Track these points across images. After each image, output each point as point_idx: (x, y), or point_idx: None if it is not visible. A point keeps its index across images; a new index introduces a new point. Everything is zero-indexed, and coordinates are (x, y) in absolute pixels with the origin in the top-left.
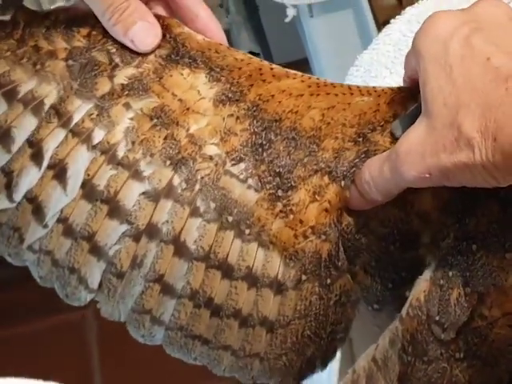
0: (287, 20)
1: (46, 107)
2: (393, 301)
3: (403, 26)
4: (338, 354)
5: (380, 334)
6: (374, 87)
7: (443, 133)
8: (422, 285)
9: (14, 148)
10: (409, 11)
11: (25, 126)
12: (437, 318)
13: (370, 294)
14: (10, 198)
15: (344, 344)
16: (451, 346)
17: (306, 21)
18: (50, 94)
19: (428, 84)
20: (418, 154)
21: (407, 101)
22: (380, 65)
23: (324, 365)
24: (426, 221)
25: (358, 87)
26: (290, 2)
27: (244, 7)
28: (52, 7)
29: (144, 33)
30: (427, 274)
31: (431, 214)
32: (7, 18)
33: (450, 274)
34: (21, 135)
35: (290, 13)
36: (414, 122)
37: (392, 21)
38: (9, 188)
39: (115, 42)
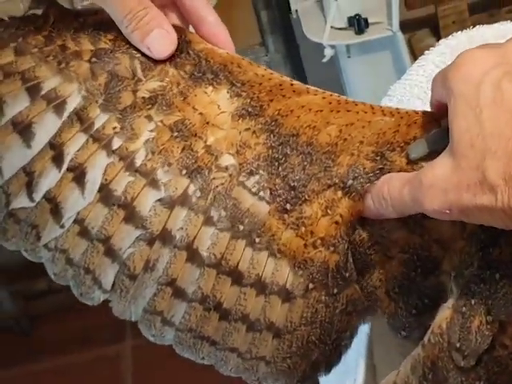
0: (325, 60)
1: (68, 107)
2: (418, 327)
3: (437, 58)
4: (361, 382)
5: None
6: (397, 109)
7: (468, 174)
8: (445, 312)
9: (35, 145)
10: (443, 43)
11: (46, 123)
12: (457, 345)
13: (395, 320)
14: (30, 196)
15: (348, 350)
16: (471, 374)
17: (343, 61)
18: (72, 94)
19: (456, 122)
20: (441, 190)
21: (429, 125)
22: (412, 95)
23: (328, 369)
24: (445, 248)
25: (380, 107)
26: (328, 42)
27: (284, 46)
28: (84, 3)
29: (160, 40)
30: (450, 302)
31: (450, 241)
32: (40, 11)
33: (473, 301)
34: (41, 132)
35: (328, 53)
36: (432, 149)
37: (426, 52)
38: (29, 187)
39: None
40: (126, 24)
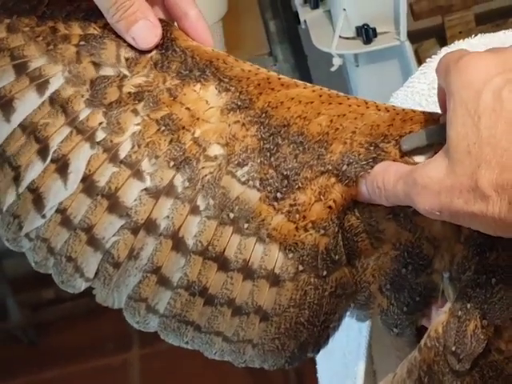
0: (333, 69)
1: (50, 87)
2: (409, 325)
3: None
4: None
5: None
6: (393, 105)
7: (461, 180)
8: (441, 316)
9: (13, 120)
10: (445, 51)
11: (27, 100)
12: (453, 349)
13: (388, 317)
14: (17, 191)
15: (336, 332)
16: (466, 378)
17: (351, 70)
18: (55, 75)
19: (454, 127)
20: (433, 192)
21: (425, 123)
22: (414, 103)
23: (316, 351)
24: (436, 246)
25: (375, 103)
26: (336, 52)
27: (292, 56)
28: None
29: (145, 31)
30: (447, 306)
31: (441, 239)
32: None
33: (469, 305)
34: (21, 108)
35: (336, 62)
36: (427, 143)
37: (428, 60)
38: (17, 181)
39: None
40: (111, 14)
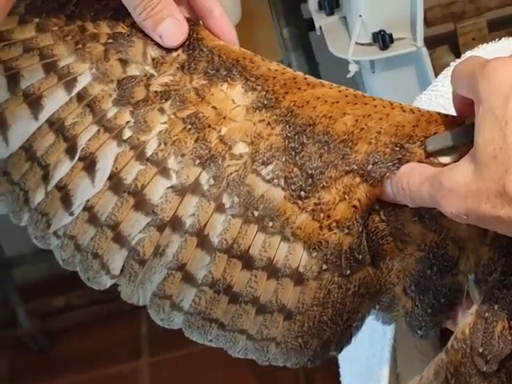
0: (349, 75)
1: (78, 85)
2: (433, 327)
3: None
4: None
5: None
6: (418, 107)
7: (488, 185)
8: (468, 318)
9: (41, 118)
10: (468, 55)
11: (55, 97)
12: (480, 350)
13: (412, 318)
14: (46, 189)
15: (359, 331)
16: (494, 379)
17: (367, 76)
18: (83, 72)
19: (482, 132)
20: (460, 196)
21: (450, 125)
22: (438, 105)
23: (339, 349)
24: (461, 247)
25: (400, 104)
26: (352, 58)
27: (306, 63)
28: None
29: (172, 29)
30: (473, 308)
31: (467, 240)
32: None
33: (496, 307)
34: (49, 106)
35: (353, 68)
36: (453, 144)
37: (452, 63)
38: (46, 180)
39: None
40: (138, 12)
